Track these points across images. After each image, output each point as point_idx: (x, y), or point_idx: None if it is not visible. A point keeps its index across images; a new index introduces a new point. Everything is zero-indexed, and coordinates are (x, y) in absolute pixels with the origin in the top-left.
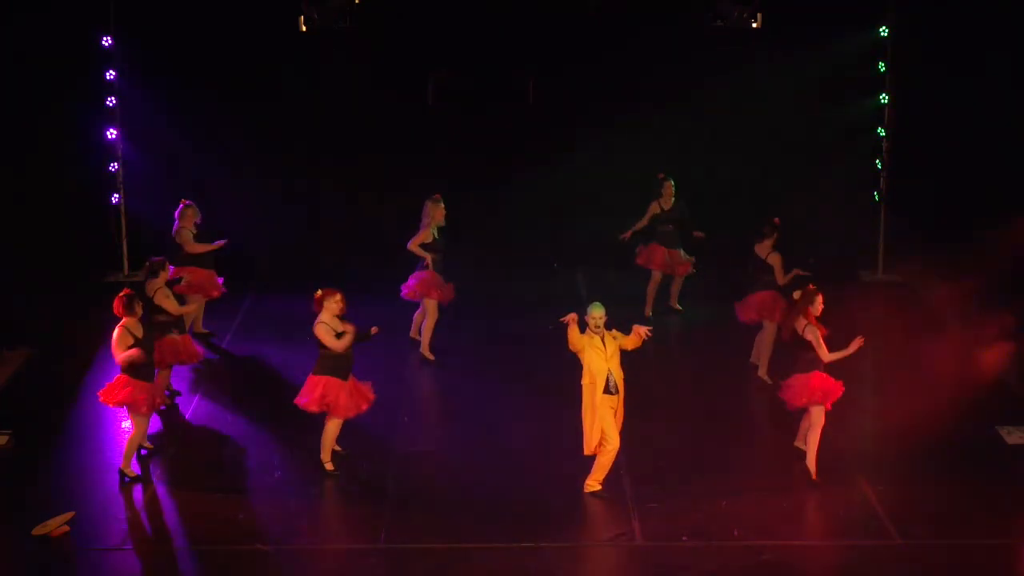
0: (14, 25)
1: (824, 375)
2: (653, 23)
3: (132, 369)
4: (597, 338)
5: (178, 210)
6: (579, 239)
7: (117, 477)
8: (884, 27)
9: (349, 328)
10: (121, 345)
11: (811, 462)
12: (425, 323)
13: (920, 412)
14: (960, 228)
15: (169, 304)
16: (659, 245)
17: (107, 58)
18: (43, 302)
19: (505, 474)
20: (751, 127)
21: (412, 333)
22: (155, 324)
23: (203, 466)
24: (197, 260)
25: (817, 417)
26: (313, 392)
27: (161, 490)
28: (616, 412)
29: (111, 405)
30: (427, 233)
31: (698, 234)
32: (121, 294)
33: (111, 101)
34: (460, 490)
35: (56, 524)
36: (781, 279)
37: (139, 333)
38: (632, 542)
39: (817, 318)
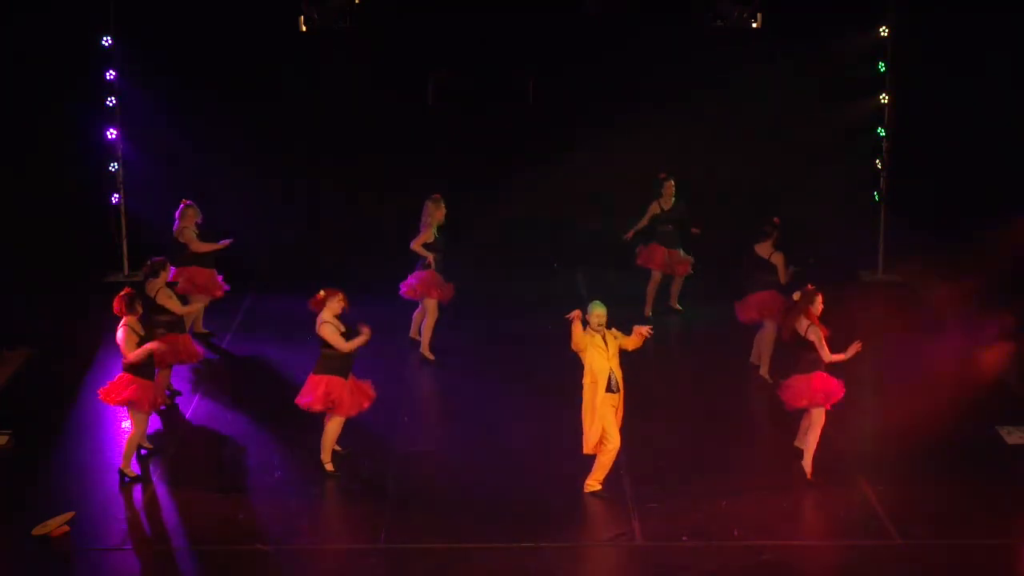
0: (14, 25)
1: (825, 376)
2: (653, 23)
3: (135, 368)
4: (599, 337)
5: (179, 210)
6: (579, 239)
7: (117, 477)
8: (884, 27)
9: (365, 330)
10: (129, 343)
11: (807, 462)
12: (425, 323)
13: (920, 412)
14: (960, 228)
15: (172, 304)
16: (659, 245)
17: (107, 58)
18: (43, 302)
19: (505, 474)
20: (751, 127)
21: (412, 333)
22: (159, 324)
23: (203, 466)
24: (198, 260)
25: (817, 417)
26: (316, 391)
27: (161, 490)
28: (617, 411)
29: (113, 404)
30: (429, 233)
31: (694, 230)
32: (121, 293)
33: (111, 101)
34: (460, 490)
35: (56, 524)
36: (784, 278)
37: (141, 332)
38: (632, 542)
39: (818, 318)
